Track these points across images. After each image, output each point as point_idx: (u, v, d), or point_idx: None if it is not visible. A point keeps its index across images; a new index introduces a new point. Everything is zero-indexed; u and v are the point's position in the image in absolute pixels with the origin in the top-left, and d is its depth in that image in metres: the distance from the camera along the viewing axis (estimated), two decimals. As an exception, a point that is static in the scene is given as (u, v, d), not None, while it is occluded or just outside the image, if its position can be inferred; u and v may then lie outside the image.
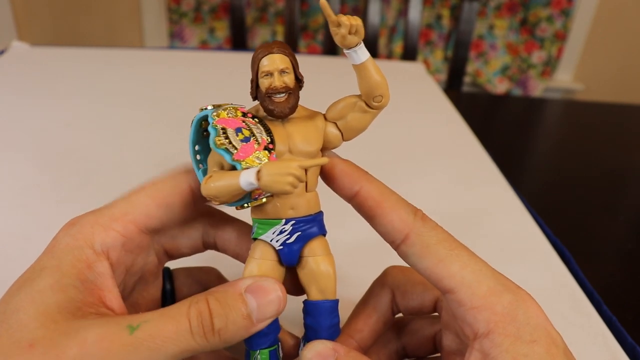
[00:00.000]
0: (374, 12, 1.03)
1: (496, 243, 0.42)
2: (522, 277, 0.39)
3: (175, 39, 2.10)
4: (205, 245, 0.27)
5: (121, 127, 0.57)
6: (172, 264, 0.28)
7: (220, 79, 0.74)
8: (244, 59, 0.82)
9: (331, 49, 1.06)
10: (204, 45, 2.12)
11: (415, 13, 1.04)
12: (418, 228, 0.22)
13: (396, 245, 0.23)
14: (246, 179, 0.20)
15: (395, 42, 2.07)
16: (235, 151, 0.21)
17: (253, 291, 0.21)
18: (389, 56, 2.09)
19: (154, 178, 0.24)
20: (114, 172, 0.47)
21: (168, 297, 0.27)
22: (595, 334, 0.34)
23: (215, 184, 0.21)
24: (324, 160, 0.21)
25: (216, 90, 0.69)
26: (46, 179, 0.45)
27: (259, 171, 0.20)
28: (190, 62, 0.80)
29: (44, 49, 0.79)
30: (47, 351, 0.18)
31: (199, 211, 0.25)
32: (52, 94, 0.63)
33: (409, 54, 1.06)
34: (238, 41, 1.10)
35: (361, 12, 1.09)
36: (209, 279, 0.28)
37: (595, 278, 0.40)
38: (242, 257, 0.26)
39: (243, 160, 0.21)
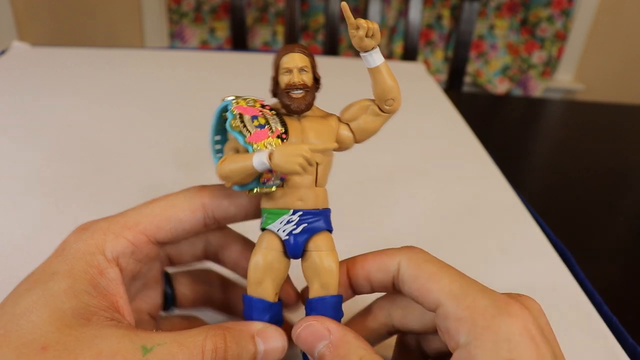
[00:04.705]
0: (374, 12, 1.03)
1: (496, 243, 0.42)
2: (523, 277, 0.39)
3: (176, 39, 2.10)
4: (206, 256, 0.27)
5: (121, 127, 0.57)
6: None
7: (221, 79, 0.74)
8: (245, 59, 0.83)
9: (331, 49, 1.06)
10: (204, 46, 2.12)
11: (416, 13, 1.03)
12: (406, 253, 0.23)
13: (393, 279, 0.24)
14: (259, 158, 0.21)
15: (396, 42, 2.07)
16: (249, 134, 0.22)
17: (263, 336, 0.22)
18: (389, 56, 2.08)
19: (169, 193, 0.25)
20: (114, 172, 0.47)
21: (169, 301, 0.27)
22: (596, 334, 0.34)
23: (228, 165, 0.22)
24: (333, 144, 0.22)
25: (217, 91, 0.69)
26: (46, 179, 0.45)
27: (271, 152, 0.21)
28: (191, 62, 0.80)
29: (44, 49, 0.79)
30: (60, 355, 0.17)
31: (208, 228, 0.25)
32: (52, 94, 0.63)
33: (410, 54, 1.06)
34: (238, 41, 1.10)
35: (361, 12, 1.09)
36: (211, 279, 0.29)
37: (596, 278, 0.40)
38: (241, 270, 0.27)
39: (255, 144, 0.22)
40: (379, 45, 0.23)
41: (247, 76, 0.74)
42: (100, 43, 2.01)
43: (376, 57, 0.23)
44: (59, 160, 0.49)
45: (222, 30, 2.10)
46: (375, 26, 0.22)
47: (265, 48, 2.11)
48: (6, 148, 0.50)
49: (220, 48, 2.12)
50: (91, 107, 0.61)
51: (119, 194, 0.44)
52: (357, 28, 0.22)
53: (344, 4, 0.22)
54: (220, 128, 0.25)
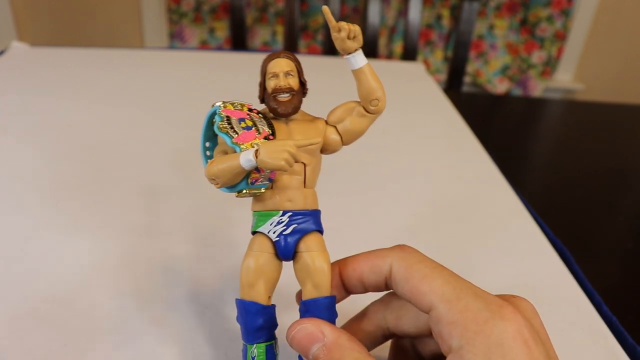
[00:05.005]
0: (374, 12, 1.03)
1: (496, 243, 0.42)
2: (522, 277, 0.39)
3: (175, 39, 2.10)
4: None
5: (121, 127, 0.57)
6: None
7: (220, 79, 0.74)
8: (244, 59, 0.83)
9: (331, 49, 1.06)
10: (204, 46, 2.12)
11: (415, 13, 1.03)
12: (397, 254, 0.23)
13: (385, 280, 0.23)
14: (245, 156, 0.21)
15: (395, 42, 2.07)
16: (236, 135, 0.22)
17: None
18: (389, 56, 2.08)
19: None
20: (114, 172, 0.47)
21: None
22: (595, 334, 0.34)
23: (217, 165, 0.22)
24: (317, 139, 0.23)
25: (216, 91, 0.69)
26: (46, 180, 0.45)
27: (257, 149, 0.21)
28: (190, 62, 0.80)
29: (44, 49, 0.79)
30: None
31: None
32: (52, 94, 0.63)
33: (409, 54, 1.06)
34: (238, 41, 1.10)
35: (361, 12, 1.09)
36: None
37: (596, 278, 0.40)
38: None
39: (242, 144, 0.22)
40: (362, 47, 0.23)
41: (246, 76, 0.73)
42: (100, 43, 2.01)
43: (359, 59, 0.23)
44: (59, 160, 0.49)
45: (222, 30, 2.10)
46: (356, 28, 0.22)
47: (265, 48, 2.11)
48: (6, 148, 0.50)
49: (219, 48, 2.12)
50: (91, 107, 0.61)
51: (118, 194, 0.44)
52: (339, 31, 0.22)
53: (325, 7, 0.22)
54: (210, 134, 0.25)
